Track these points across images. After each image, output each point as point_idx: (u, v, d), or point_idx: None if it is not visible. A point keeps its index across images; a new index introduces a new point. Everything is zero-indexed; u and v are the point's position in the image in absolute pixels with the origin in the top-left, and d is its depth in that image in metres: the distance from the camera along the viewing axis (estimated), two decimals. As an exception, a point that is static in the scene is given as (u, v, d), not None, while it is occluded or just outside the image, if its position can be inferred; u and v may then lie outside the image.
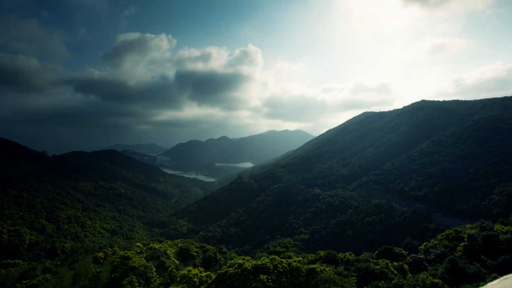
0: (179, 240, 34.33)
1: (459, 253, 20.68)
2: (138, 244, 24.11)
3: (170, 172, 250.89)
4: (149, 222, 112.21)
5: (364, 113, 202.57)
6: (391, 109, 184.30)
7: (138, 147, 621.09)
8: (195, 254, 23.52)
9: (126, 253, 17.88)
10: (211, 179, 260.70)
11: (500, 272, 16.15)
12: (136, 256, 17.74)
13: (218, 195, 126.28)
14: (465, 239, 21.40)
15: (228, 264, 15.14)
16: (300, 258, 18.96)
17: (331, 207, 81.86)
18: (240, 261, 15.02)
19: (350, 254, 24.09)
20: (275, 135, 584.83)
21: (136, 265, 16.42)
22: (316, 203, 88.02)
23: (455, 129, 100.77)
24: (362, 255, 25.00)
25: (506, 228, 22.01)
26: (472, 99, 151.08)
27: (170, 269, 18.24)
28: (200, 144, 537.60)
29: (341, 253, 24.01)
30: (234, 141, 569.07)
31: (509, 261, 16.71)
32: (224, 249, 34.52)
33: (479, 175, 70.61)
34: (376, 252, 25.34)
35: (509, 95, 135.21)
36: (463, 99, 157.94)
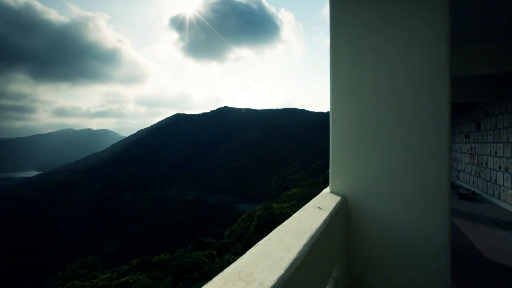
0: None
1: (252, 231, 25.85)
2: None
3: None
4: None
5: (176, 114, 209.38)
6: (201, 112, 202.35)
7: None
8: None
9: None
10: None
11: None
12: None
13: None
14: (255, 218, 27.16)
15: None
16: (109, 275, 16.65)
17: (144, 210, 78.17)
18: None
19: (165, 255, 23.99)
20: (73, 135, 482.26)
21: None
22: (127, 209, 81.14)
23: (248, 132, 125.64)
24: (177, 253, 25.60)
25: (278, 205, 30.04)
26: (259, 108, 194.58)
27: None
28: None
29: (156, 256, 23.46)
30: (5, 142, 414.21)
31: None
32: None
33: (263, 168, 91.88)
34: (190, 246, 26.87)
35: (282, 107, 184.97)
36: (253, 108, 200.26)
